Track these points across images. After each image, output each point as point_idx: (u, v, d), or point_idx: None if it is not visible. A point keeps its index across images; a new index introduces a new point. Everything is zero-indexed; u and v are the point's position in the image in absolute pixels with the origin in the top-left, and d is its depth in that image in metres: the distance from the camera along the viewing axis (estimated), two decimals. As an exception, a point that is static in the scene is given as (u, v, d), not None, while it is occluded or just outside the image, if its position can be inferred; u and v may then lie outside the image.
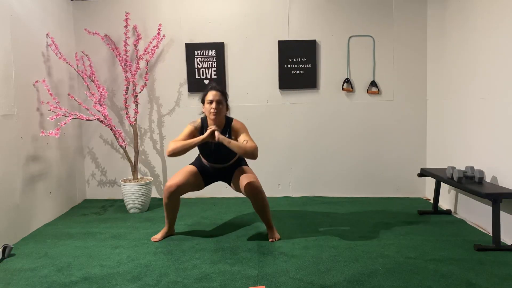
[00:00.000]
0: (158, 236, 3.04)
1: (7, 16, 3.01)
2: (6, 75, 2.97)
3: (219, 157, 2.96)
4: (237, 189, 3.01)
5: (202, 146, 2.93)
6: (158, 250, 2.82)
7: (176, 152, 2.77)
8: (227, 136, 2.89)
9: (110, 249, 2.84)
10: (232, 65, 4.14)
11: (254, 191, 2.85)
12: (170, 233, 3.11)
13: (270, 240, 2.96)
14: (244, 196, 4.22)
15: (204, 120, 2.97)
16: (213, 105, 2.83)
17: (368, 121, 4.15)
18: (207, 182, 3.11)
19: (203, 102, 2.92)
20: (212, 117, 2.85)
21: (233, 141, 2.77)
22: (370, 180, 4.21)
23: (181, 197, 4.21)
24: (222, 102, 2.87)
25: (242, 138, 2.86)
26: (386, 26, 4.07)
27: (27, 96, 3.25)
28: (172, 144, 2.79)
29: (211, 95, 2.85)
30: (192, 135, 2.90)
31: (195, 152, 3.12)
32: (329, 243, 2.87)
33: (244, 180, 2.88)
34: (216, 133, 2.75)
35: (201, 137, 2.79)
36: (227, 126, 2.94)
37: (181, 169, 3.03)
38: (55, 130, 3.22)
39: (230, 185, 3.13)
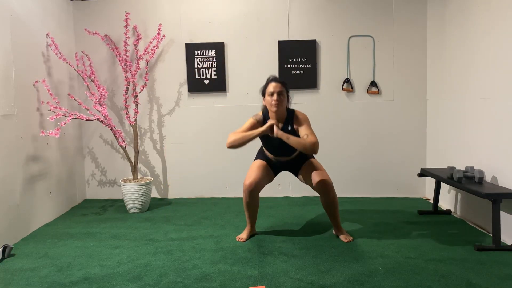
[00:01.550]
0: (243, 236, 3.01)
1: (7, 16, 3.01)
2: (6, 75, 2.97)
3: (283, 151, 2.92)
4: (307, 182, 2.99)
5: (265, 140, 2.92)
6: (158, 250, 2.82)
7: (236, 144, 2.74)
8: (289, 128, 2.85)
9: (110, 249, 2.84)
10: (232, 65, 4.14)
11: (326, 188, 2.86)
12: (253, 232, 3.08)
13: (345, 241, 2.92)
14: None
15: (266, 113, 2.91)
16: (274, 96, 2.76)
17: (368, 121, 4.15)
18: (275, 173, 3.08)
19: (263, 95, 2.87)
20: (274, 109, 2.78)
21: (292, 137, 2.70)
22: (370, 180, 4.21)
23: (180, 197, 4.27)
24: (283, 93, 2.80)
25: (303, 131, 2.79)
26: (386, 26, 4.07)
27: (27, 96, 3.25)
28: (232, 136, 2.76)
29: (271, 87, 2.79)
30: (253, 128, 2.84)
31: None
32: (329, 243, 2.88)
33: (316, 176, 2.87)
34: (275, 128, 2.71)
35: (260, 129, 2.74)
36: (289, 118, 2.87)
37: (252, 166, 2.98)
38: (55, 130, 3.22)
39: (297, 176, 3.09)
